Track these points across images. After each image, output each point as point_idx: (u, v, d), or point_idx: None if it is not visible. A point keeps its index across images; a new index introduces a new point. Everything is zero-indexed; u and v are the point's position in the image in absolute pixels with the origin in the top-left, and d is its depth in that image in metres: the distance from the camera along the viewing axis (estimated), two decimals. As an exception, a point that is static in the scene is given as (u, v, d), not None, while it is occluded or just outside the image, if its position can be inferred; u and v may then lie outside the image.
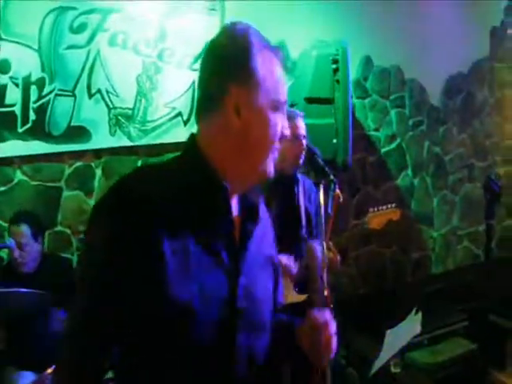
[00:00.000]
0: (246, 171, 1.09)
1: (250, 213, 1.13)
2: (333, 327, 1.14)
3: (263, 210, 1.21)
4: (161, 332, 1.00)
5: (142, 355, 1.03)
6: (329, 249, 2.51)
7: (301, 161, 2.60)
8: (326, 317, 1.14)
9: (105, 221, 1.01)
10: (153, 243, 0.97)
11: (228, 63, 1.04)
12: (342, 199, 2.82)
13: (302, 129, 2.55)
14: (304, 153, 2.52)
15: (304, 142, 2.54)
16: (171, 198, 1.02)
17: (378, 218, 2.64)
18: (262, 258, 1.16)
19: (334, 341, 1.14)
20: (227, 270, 1.05)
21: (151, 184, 1.04)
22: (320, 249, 1.35)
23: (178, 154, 1.14)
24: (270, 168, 1.11)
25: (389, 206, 2.70)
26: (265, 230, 1.21)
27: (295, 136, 2.48)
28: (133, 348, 1.04)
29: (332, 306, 1.58)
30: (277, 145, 1.10)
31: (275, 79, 1.07)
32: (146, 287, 0.98)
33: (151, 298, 0.98)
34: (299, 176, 2.75)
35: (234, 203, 1.13)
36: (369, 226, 2.61)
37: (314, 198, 2.69)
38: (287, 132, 1.12)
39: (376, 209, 2.66)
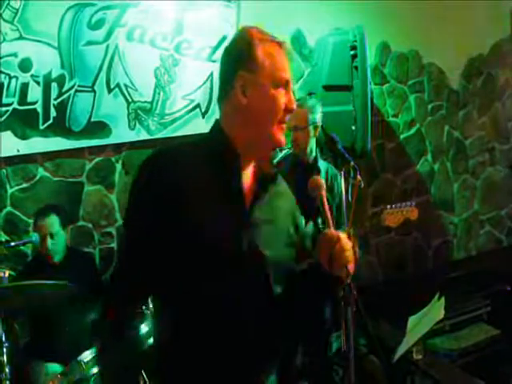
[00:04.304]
0: (255, 140, 1.31)
1: (263, 184, 1.35)
2: (345, 240, 1.26)
3: (283, 187, 1.45)
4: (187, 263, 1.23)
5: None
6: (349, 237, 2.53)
7: (309, 146, 2.73)
8: (338, 233, 1.27)
9: (141, 178, 1.28)
10: (177, 195, 1.23)
11: (235, 55, 1.32)
12: (363, 185, 2.82)
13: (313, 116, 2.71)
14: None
15: (311, 128, 2.68)
16: (196, 162, 1.28)
17: (395, 215, 2.62)
18: (273, 222, 1.37)
19: (349, 251, 1.25)
20: (236, 220, 1.28)
21: (180, 152, 1.31)
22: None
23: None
24: (280, 136, 1.32)
25: (408, 203, 2.67)
26: (283, 203, 1.42)
27: (307, 123, 2.62)
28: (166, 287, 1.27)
29: (355, 292, 1.59)
30: (284, 117, 1.32)
31: (275, 62, 1.30)
32: (170, 227, 1.22)
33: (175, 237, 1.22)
34: (321, 164, 2.78)
35: (251, 174, 1.36)
36: (384, 223, 2.62)
37: (337, 187, 2.71)
38: (293, 106, 1.33)
39: (394, 206, 2.64)
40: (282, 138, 1.33)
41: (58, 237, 2.74)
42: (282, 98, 1.30)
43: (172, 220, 1.22)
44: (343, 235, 1.27)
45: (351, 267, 1.26)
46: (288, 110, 1.32)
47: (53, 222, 2.71)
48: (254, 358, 1.30)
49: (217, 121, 1.37)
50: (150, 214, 1.24)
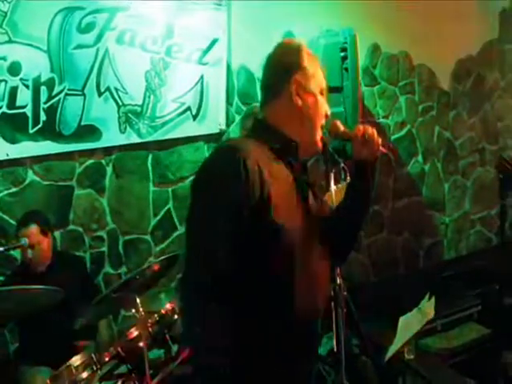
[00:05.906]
0: (305, 138, 1.50)
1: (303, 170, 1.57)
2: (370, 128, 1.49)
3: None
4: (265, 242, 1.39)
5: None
6: None
7: None
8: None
9: (227, 169, 1.37)
10: (263, 184, 1.36)
11: (287, 61, 1.51)
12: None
13: None
14: None
15: None
16: (265, 156, 1.43)
17: (336, 194, 2.70)
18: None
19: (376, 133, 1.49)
20: (302, 199, 1.50)
21: (248, 147, 1.41)
22: None
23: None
24: (319, 141, 1.52)
25: (345, 182, 2.77)
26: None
27: None
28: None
29: (345, 293, 1.62)
30: (323, 121, 1.51)
31: (319, 73, 1.53)
32: (259, 214, 1.36)
33: (262, 221, 1.37)
34: None
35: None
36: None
37: None
38: (329, 113, 1.54)
39: (336, 186, 2.72)
40: (320, 143, 1.53)
41: (38, 245, 2.70)
42: (324, 104, 1.53)
43: (260, 210, 1.35)
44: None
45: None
46: (326, 116, 1.53)
47: (32, 231, 2.67)
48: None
49: (263, 119, 1.53)
50: (244, 206, 1.34)
